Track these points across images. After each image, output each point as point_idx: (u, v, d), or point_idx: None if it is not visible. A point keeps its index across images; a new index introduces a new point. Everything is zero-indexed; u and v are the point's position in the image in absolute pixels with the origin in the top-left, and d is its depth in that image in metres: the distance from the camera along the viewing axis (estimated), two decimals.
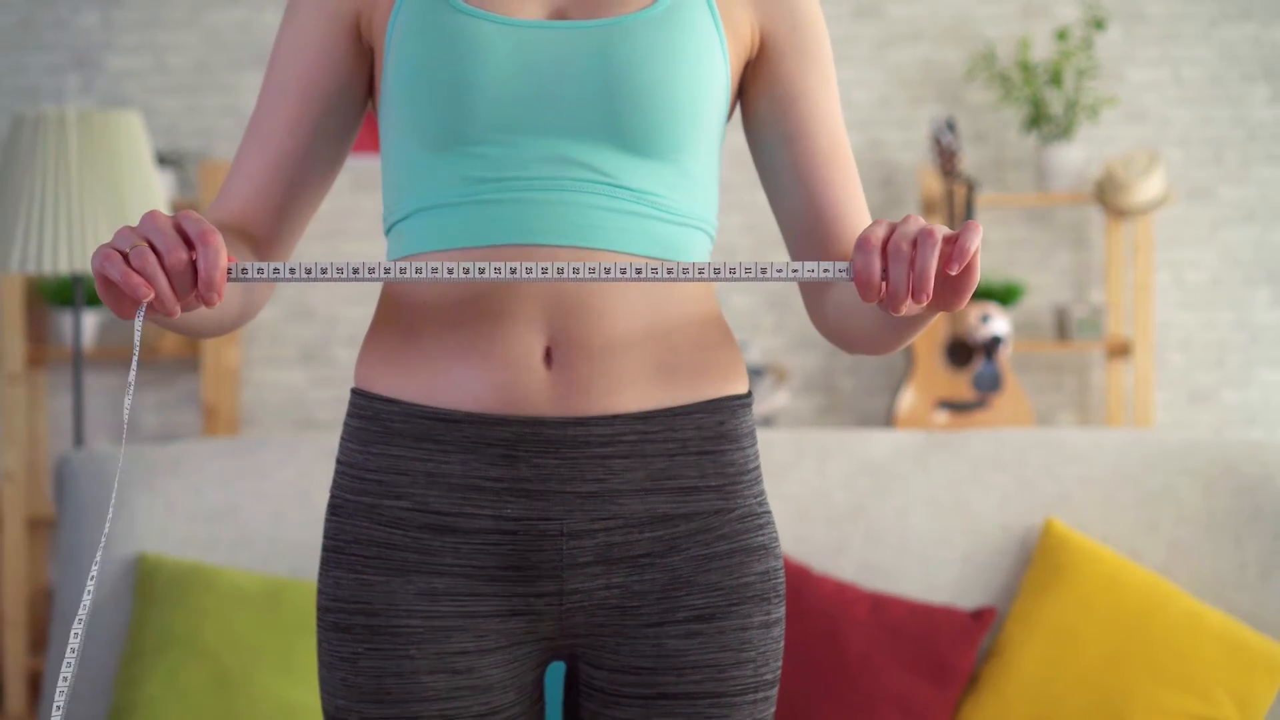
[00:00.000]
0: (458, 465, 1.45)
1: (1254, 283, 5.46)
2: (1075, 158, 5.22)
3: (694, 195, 1.49)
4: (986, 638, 2.82)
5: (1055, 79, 5.23)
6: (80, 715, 2.76)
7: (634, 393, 1.45)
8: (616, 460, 1.45)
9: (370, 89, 1.55)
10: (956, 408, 5.07)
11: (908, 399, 5.08)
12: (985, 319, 5.09)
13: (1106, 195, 5.10)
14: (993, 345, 5.08)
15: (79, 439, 3.68)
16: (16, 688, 5.11)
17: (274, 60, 1.54)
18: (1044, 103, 5.25)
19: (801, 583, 2.76)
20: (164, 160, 5.28)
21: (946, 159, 5.05)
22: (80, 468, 2.89)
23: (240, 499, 2.86)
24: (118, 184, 3.70)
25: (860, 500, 2.88)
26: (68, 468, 2.90)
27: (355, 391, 1.52)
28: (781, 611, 1.53)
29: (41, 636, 5.34)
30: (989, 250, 5.44)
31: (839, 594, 2.76)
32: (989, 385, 5.09)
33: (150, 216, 1.29)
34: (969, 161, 5.44)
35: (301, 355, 5.42)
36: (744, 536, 1.50)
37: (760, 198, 5.40)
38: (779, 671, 1.53)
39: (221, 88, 5.37)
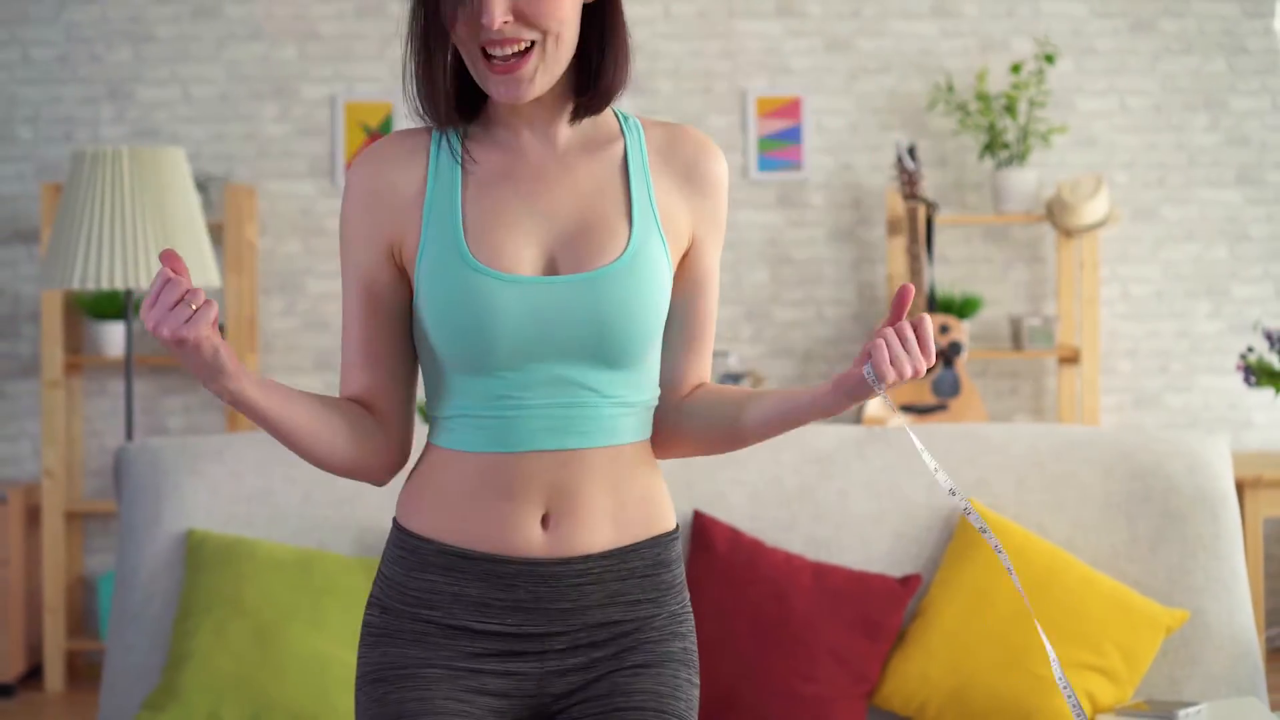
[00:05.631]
0: (475, 589, 1.95)
1: (1195, 296, 5.87)
2: (1029, 180, 5.62)
3: (649, 384, 1.98)
4: (913, 600, 3.25)
5: (1010, 108, 5.63)
6: (141, 664, 3.20)
7: (599, 538, 1.96)
8: (586, 586, 1.96)
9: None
10: (918, 411, 5.47)
11: (874, 403, 5.48)
12: (945, 329, 5.49)
13: (1056, 216, 5.51)
14: (951, 353, 5.48)
15: (129, 433, 4.14)
16: (55, 669, 5.49)
17: (342, 274, 1.99)
18: (1000, 130, 5.66)
19: (756, 554, 3.20)
20: None
21: (909, 182, 5.44)
22: (135, 457, 3.34)
23: (274, 483, 3.31)
24: (164, 210, 4.18)
25: (808, 484, 3.32)
26: (125, 456, 3.34)
27: (398, 524, 2.00)
28: (697, 681, 2.04)
29: (78, 622, 5.74)
30: (950, 265, 5.85)
31: (787, 563, 3.20)
32: (948, 390, 5.50)
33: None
34: (930, 184, 5.83)
35: (316, 363, 5.82)
36: (669, 627, 2.03)
37: (736, 218, 5.81)
38: None
39: (243, 117, 5.77)
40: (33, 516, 5.60)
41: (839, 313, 5.83)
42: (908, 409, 5.46)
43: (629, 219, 1.93)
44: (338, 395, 2.01)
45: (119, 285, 4.11)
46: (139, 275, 4.16)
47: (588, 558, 1.96)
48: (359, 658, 2.01)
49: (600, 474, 1.95)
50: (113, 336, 5.54)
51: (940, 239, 5.83)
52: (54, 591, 5.47)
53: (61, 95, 5.73)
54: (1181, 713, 2.99)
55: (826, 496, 3.29)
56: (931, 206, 5.51)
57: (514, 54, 1.86)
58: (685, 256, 2.01)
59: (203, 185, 5.72)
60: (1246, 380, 4.71)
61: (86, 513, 5.65)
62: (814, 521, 3.28)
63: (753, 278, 5.81)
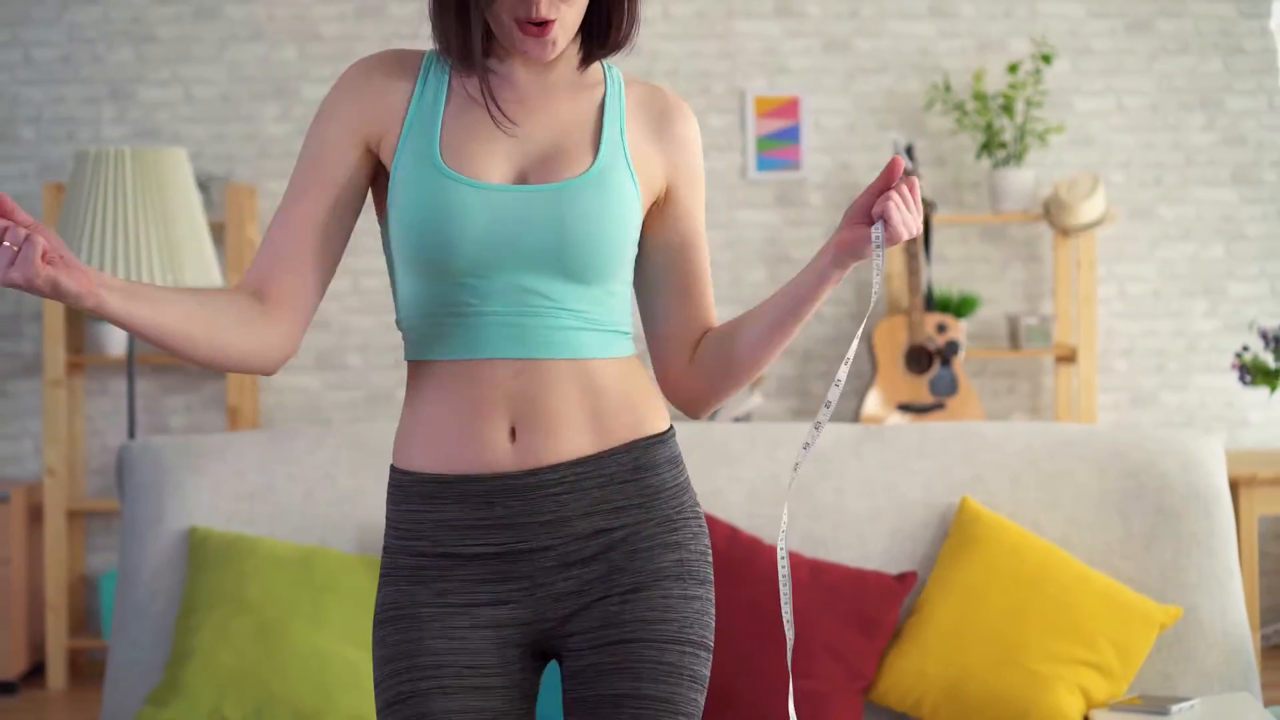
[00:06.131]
0: (454, 512, 2.00)
1: (1191, 295, 5.90)
2: (1026, 180, 5.66)
3: (615, 308, 2.03)
4: (909, 597, 3.28)
5: (1007, 108, 5.67)
6: (145, 660, 3.23)
7: (569, 447, 1.99)
8: (563, 496, 1.99)
9: (367, 186, 2.06)
10: (915, 410, 5.50)
11: (872, 402, 5.52)
12: (942, 329, 5.53)
13: (1053, 215, 5.55)
14: (949, 352, 5.52)
15: (132, 432, 4.17)
16: (57, 667, 5.52)
17: (300, 159, 2.05)
18: (997, 130, 5.69)
19: (753, 552, 3.23)
20: None
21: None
22: (138, 455, 3.37)
23: (276, 481, 3.34)
24: (166, 210, 4.21)
25: (805, 482, 3.35)
26: (128, 455, 3.37)
27: (391, 466, 2.07)
28: (700, 591, 2.04)
29: (80, 620, 5.77)
30: (947, 264, 5.89)
31: None
32: (945, 389, 5.53)
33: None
34: (928, 183, 5.86)
35: (317, 362, 5.85)
36: (661, 536, 2.04)
37: (735, 217, 5.84)
38: (705, 638, 2.04)
39: (244, 118, 5.81)
40: (35, 515, 5.63)
41: (837, 312, 5.86)
42: (906, 408, 5.49)
43: (597, 146, 2.02)
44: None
45: None
46: (142, 274, 4.20)
47: (557, 467, 1.98)
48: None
49: (564, 385, 1.99)
50: (114, 336, 5.57)
51: (938, 238, 5.86)
52: (56, 590, 5.50)
53: (63, 95, 5.76)
54: (1175, 708, 3.02)
55: (824, 495, 3.32)
56: (929, 206, 5.55)
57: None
58: (665, 211, 2.08)
59: (204, 185, 5.76)
60: (1241, 379, 4.74)
61: (88, 511, 5.69)
62: (811, 519, 3.31)
63: (751, 276, 5.84)
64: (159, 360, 5.61)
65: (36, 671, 5.76)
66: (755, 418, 5.86)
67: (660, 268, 2.10)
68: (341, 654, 3.10)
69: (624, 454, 2.02)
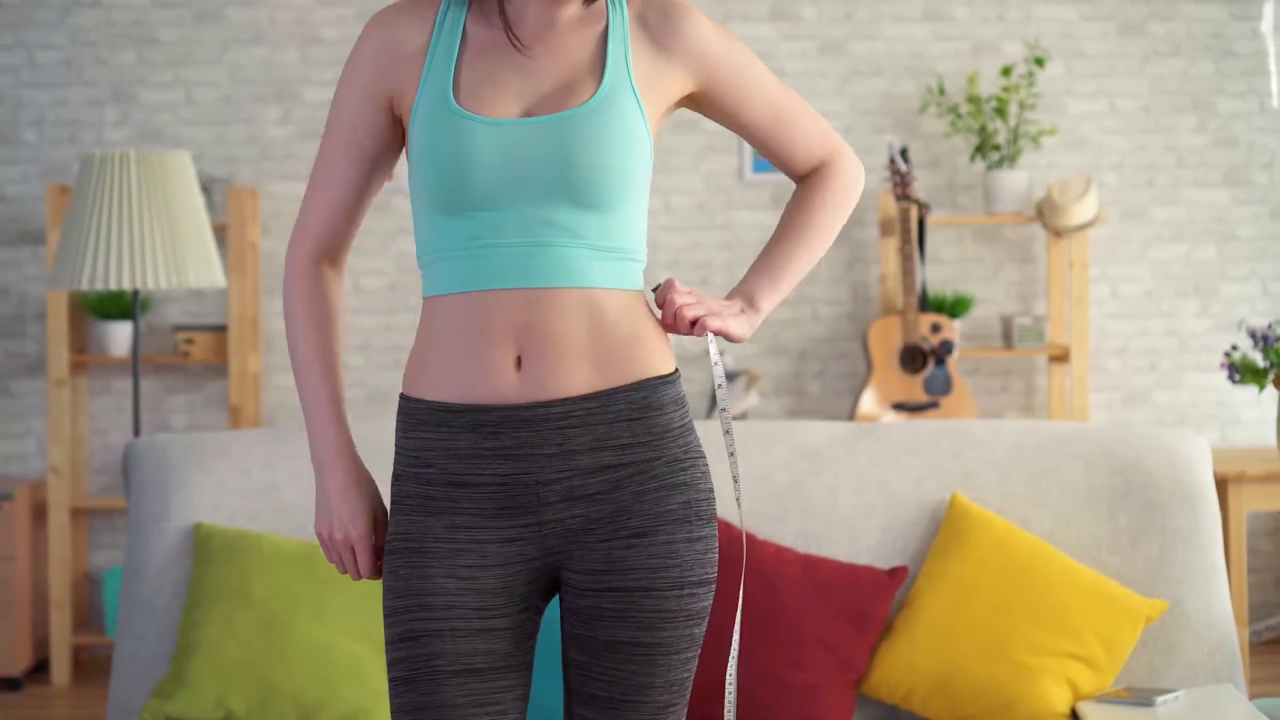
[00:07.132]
0: (464, 441, 2.04)
1: (1183, 295, 5.96)
2: (1019, 182, 5.71)
3: (626, 234, 2.08)
4: (900, 592, 3.34)
5: (1001, 111, 5.72)
6: (151, 654, 3.29)
7: (577, 381, 2.04)
8: (570, 429, 2.04)
9: (401, 138, 2.15)
10: (910, 409, 5.56)
11: (867, 401, 5.57)
12: (936, 329, 5.59)
13: (1046, 216, 5.60)
14: (943, 352, 5.57)
15: (136, 430, 4.24)
16: (61, 663, 5.57)
17: (331, 122, 2.14)
18: (990, 132, 5.75)
19: (747, 547, 3.29)
20: None
21: (901, 183, 5.53)
22: (144, 452, 3.43)
23: (279, 478, 3.40)
24: (170, 212, 4.28)
25: (798, 479, 3.41)
26: (134, 452, 3.43)
27: (401, 394, 2.13)
28: (705, 530, 2.08)
29: (84, 617, 5.83)
30: (942, 265, 5.94)
31: (778, 555, 3.29)
32: (940, 388, 5.58)
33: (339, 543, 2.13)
34: (922, 185, 5.92)
35: None
36: (669, 476, 2.08)
37: (735, 217, 5.90)
38: (708, 575, 2.08)
39: (245, 120, 5.86)
40: (39, 513, 5.69)
41: (833, 312, 5.92)
42: (900, 406, 5.55)
43: (601, 76, 2.09)
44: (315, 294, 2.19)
45: (126, 285, 4.21)
46: (146, 275, 4.26)
47: (566, 400, 2.03)
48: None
49: (573, 315, 2.04)
50: (117, 335, 5.63)
51: (932, 239, 5.92)
52: (60, 587, 5.56)
53: (66, 98, 5.82)
54: (1160, 699, 3.07)
55: (816, 491, 3.38)
56: (923, 207, 5.60)
57: None
58: (717, 108, 2.18)
59: (206, 187, 5.81)
60: (1231, 378, 4.79)
61: (92, 509, 5.74)
62: (804, 515, 3.37)
63: None
64: (161, 359, 5.66)
65: (40, 668, 5.81)
66: (751, 417, 5.91)
67: (752, 140, 2.25)
68: (344, 647, 3.16)
69: (632, 392, 2.06)
